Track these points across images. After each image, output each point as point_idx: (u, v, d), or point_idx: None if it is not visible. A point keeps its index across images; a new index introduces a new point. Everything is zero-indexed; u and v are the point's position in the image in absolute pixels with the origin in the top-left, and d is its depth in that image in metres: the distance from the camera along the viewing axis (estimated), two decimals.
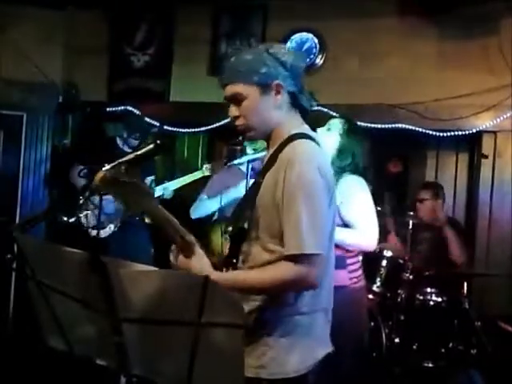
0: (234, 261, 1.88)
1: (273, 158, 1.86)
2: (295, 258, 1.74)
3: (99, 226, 4.14)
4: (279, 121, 1.89)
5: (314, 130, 2.04)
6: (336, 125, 3.19)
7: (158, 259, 4.23)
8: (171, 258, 1.88)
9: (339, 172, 3.00)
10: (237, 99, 1.86)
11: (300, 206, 1.74)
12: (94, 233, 4.22)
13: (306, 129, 1.95)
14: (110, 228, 4.29)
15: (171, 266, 1.87)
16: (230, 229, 1.90)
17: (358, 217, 2.98)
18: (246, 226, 1.86)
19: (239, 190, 3.62)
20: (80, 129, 5.59)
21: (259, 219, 1.85)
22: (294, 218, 1.74)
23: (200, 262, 1.79)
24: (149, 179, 4.46)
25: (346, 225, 2.96)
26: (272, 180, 1.82)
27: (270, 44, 1.90)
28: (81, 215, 4.25)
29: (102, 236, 4.22)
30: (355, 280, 3.05)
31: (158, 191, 4.14)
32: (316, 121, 3.17)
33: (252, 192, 1.91)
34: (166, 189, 4.13)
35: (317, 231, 1.75)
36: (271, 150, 1.92)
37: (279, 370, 1.84)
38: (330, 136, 3.13)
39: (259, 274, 1.81)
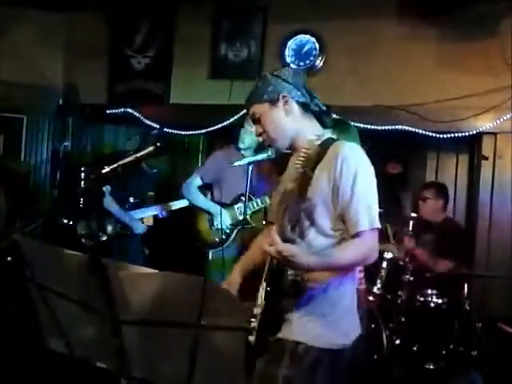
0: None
1: (317, 156, 2.06)
2: (368, 233, 1.99)
3: (98, 233, 4.16)
4: (294, 127, 2.17)
5: None
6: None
7: (153, 260, 4.24)
8: (265, 247, 1.94)
9: None
10: (257, 118, 2.19)
11: (363, 189, 2.00)
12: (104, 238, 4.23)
13: (330, 134, 2.20)
14: (109, 229, 4.28)
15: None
16: (286, 223, 2.08)
17: None
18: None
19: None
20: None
21: (313, 209, 2.05)
22: (360, 199, 1.99)
23: (294, 248, 1.94)
24: (150, 194, 4.46)
25: None
26: (325, 174, 2.04)
27: (278, 69, 2.22)
28: (91, 222, 4.26)
29: (103, 239, 4.21)
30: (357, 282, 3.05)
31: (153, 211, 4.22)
32: None
33: (300, 187, 2.06)
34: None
35: (376, 209, 2.04)
36: (300, 152, 2.08)
37: (329, 341, 2.05)
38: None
39: (342, 252, 2.03)
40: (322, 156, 2.07)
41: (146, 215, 4.25)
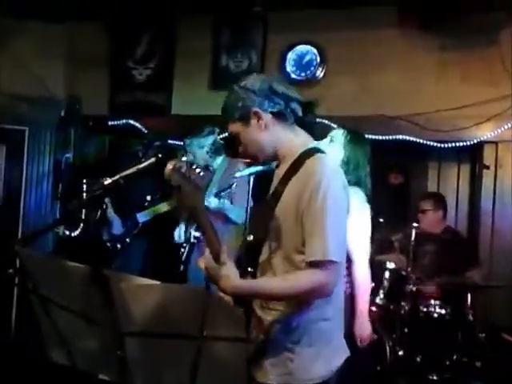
0: (251, 269, 1.94)
1: (291, 172, 1.96)
2: (319, 264, 1.82)
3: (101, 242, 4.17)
4: (273, 140, 2.01)
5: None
6: (338, 136, 3.20)
7: (157, 269, 4.24)
8: (200, 261, 1.92)
9: None
10: (235, 137, 2.05)
11: (327, 216, 1.83)
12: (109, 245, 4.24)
13: (315, 143, 2.07)
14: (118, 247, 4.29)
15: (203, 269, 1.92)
16: (251, 238, 1.99)
17: (354, 244, 2.99)
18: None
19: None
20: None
21: (280, 229, 1.93)
22: (320, 227, 1.83)
23: (229, 270, 1.83)
24: (148, 198, 4.47)
25: None
26: (295, 191, 1.91)
27: (245, 78, 2.04)
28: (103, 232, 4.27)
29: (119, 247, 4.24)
30: (349, 285, 3.06)
31: (163, 208, 4.16)
32: (321, 133, 3.22)
33: (271, 201, 1.99)
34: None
35: (339, 241, 1.87)
36: (285, 165, 2.01)
37: (306, 377, 1.91)
38: (333, 148, 3.13)
39: (283, 280, 1.89)
40: (297, 169, 1.94)
41: (152, 216, 4.23)
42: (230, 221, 3.90)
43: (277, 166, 2.09)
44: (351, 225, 2.81)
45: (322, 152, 2.00)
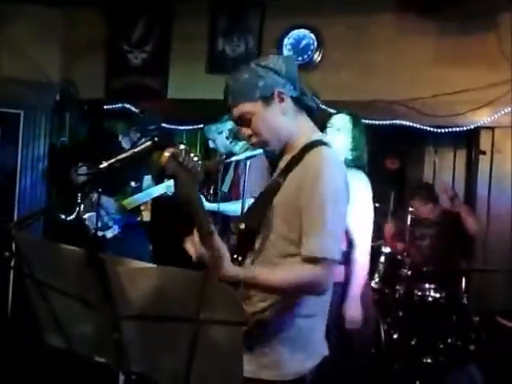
0: (240, 258, 1.88)
1: (294, 162, 1.89)
2: (316, 261, 1.77)
3: (104, 227, 4.15)
4: (290, 127, 1.93)
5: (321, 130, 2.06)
6: (344, 124, 3.19)
7: (156, 256, 4.24)
8: (187, 245, 1.84)
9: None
10: (245, 118, 1.91)
11: (327, 212, 1.78)
12: (100, 234, 4.21)
13: (320, 135, 2.00)
14: (115, 229, 4.28)
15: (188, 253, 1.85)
16: (242, 226, 1.92)
17: (357, 229, 3.00)
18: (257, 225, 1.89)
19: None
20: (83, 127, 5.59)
21: (276, 220, 1.87)
22: (320, 222, 1.78)
23: (222, 257, 1.73)
24: (147, 178, 4.46)
25: None
26: (296, 182, 1.85)
27: (259, 58, 1.95)
28: (84, 217, 4.24)
29: (108, 236, 4.21)
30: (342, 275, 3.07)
31: (161, 189, 4.12)
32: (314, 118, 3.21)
33: (269, 192, 1.93)
34: (169, 187, 4.10)
35: (336, 239, 1.81)
36: (289, 155, 1.94)
37: (280, 372, 1.86)
38: (341, 136, 3.14)
39: (277, 272, 1.82)
40: (299, 161, 1.87)
41: (152, 197, 4.21)
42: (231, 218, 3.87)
43: (280, 156, 2.00)
44: (355, 210, 2.75)
45: (325, 144, 1.93)
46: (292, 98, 1.91)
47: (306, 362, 1.89)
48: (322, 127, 3.12)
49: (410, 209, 4.29)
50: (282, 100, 1.89)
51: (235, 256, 1.88)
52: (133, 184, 4.31)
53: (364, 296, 3.12)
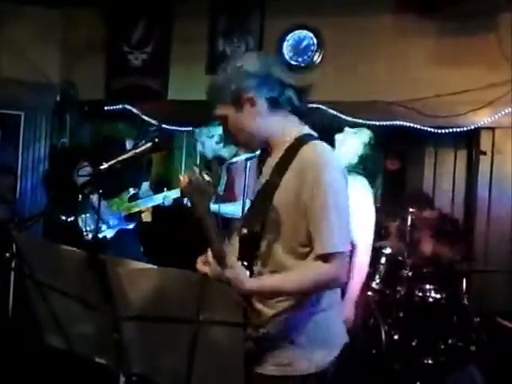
0: (245, 263, 1.88)
1: (286, 159, 1.88)
2: (330, 257, 1.78)
3: (97, 229, 4.16)
4: (268, 128, 1.92)
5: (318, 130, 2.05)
6: (364, 132, 3.24)
7: (148, 258, 4.25)
8: (199, 265, 1.89)
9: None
10: (222, 120, 1.92)
11: (331, 208, 1.79)
12: (90, 236, 4.22)
13: (307, 129, 1.98)
14: (108, 232, 4.29)
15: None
16: (245, 231, 1.91)
17: (358, 231, 3.02)
18: (259, 228, 1.89)
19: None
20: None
21: (279, 221, 1.86)
22: (327, 219, 1.79)
23: (238, 272, 1.76)
24: (145, 184, 4.46)
25: None
26: (294, 182, 1.83)
27: (236, 58, 1.92)
28: (79, 218, 4.25)
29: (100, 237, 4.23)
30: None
31: (158, 199, 4.14)
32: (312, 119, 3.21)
33: (267, 193, 1.91)
34: (167, 197, 4.12)
35: (344, 231, 1.82)
36: (278, 153, 1.92)
37: (305, 367, 1.89)
38: (355, 140, 3.19)
39: (295, 276, 1.84)
40: (292, 158, 1.85)
41: (149, 205, 4.23)
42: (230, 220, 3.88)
43: (268, 154, 1.99)
44: (356, 213, 2.74)
45: (316, 138, 1.93)
46: (267, 99, 1.88)
47: (327, 357, 1.92)
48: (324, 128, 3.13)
49: (411, 209, 4.27)
50: (252, 104, 1.87)
51: (243, 262, 1.88)
52: (131, 190, 4.32)
53: (363, 297, 3.13)
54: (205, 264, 1.84)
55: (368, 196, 3.15)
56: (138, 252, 4.29)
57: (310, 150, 1.85)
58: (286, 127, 1.93)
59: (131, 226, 4.30)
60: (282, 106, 1.90)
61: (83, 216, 4.23)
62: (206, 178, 1.74)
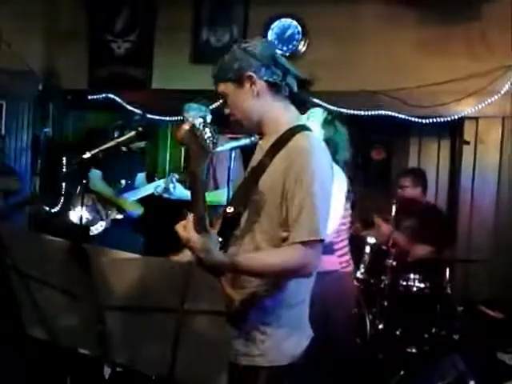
0: (221, 240, 1.87)
1: (278, 146, 1.91)
2: (307, 244, 1.79)
3: (92, 222, 4.15)
4: (263, 111, 1.96)
5: None
6: (317, 114, 3.15)
7: (148, 247, 4.23)
8: (179, 227, 1.80)
9: None
10: (224, 98, 1.98)
11: (314, 196, 1.80)
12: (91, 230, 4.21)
13: (304, 120, 2.04)
14: (102, 225, 4.26)
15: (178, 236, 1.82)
16: (231, 209, 1.93)
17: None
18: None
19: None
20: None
21: (262, 203, 1.89)
22: (309, 206, 1.80)
23: (211, 242, 1.73)
24: (140, 175, 4.45)
25: None
26: (282, 166, 1.86)
27: (245, 40, 1.99)
28: (71, 212, 4.22)
29: (94, 233, 4.20)
30: (345, 264, 3.10)
31: (150, 189, 4.12)
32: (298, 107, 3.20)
33: (255, 173, 1.94)
34: (159, 186, 4.10)
35: (324, 220, 1.83)
36: (270, 138, 1.96)
37: (278, 357, 1.89)
38: (311, 125, 3.11)
39: (266, 256, 1.86)
40: (284, 145, 1.89)
41: (140, 196, 4.21)
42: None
43: (260, 138, 2.04)
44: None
45: (309, 130, 1.97)
46: (269, 82, 1.93)
47: (300, 343, 1.93)
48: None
49: (394, 200, 4.28)
50: (253, 83, 1.92)
51: (220, 240, 1.86)
52: (123, 182, 4.30)
53: (346, 287, 3.13)
54: (183, 228, 1.78)
55: (340, 190, 3.09)
56: (136, 243, 4.25)
57: (301, 138, 1.89)
58: (282, 114, 1.97)
59: (121, 217, 4.26)
60: (280, 91, 1.95)
61: (76, 210, 4.19)
62: (208, 133, 1.71)
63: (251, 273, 1.84)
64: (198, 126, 1.69)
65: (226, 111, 2.00)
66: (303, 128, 1.95)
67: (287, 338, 1.90)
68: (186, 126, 1.67)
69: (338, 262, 3.04)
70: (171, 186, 3.99)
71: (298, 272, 1.84)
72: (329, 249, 2.95)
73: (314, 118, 3.12)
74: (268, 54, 1.94)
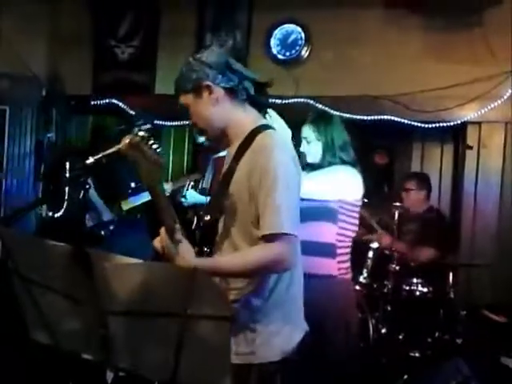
0: (207, 249, 1.96)
1: (242, 149, 1.97)
2: (274, 238, 1.83)
3: (100, 226, 4.16)
4: (225, 117, 2.01)
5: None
6: (309, 135, 3.11)
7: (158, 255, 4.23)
8: (155, 242, 1.91)
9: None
10: (187, 109, 2.05)
11: (278, 192, 1.84)
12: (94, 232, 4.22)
13: (265, 121, 2.07)
14: (109, 228, 4.27)
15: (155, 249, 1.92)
16: (208, 217, 1.98)
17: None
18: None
19: None
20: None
21: (234, 206, 1.94)
22: (273, 202, 1.84)
23: (184, 249, 1.84)
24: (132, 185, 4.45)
25: None
26: (247, 168, 1.92)
27: (198, 52, 2.06)
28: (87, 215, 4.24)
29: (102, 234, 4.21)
30: (343, 271, 3.03)
31: (146, 196, 4.13)
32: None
33: (224, 180, 2.00)
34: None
35: (292, 215, 1.87)
36: (236, 142, 2.01)
37: (269, 354, 1.93)
38: (311, 146, 3.08)
39: (239, 256, 1.92)
40: (248, 147, 1.95)
41: (143, 200, 4.22)
42: None
43: (228, 145, 2.09)
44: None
45: (271, 128, 2.02)
46: (227, 88, 1.98)
47: (291, 338, 1.97)
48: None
49: (397, 204, 4.28)
50: (210, 92, 1.97)
51: (204, 248, 1.95)
52: (132, 185, 4.30)
53: (344, 293, 3.09)
54: (159, 240, 1.87)
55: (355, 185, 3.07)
56: (146, 247, 4.24)
57: (263, 137, 1.95)
58: (243, 118, 2.02)
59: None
60: (238, 95, 2.00)
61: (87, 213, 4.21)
62: (153, 145, 1.72)
63: (229, 273, 1.90)
64: (139, 139, 1.69)
65: (190, 121, 2.07)
66: (265, 127, 1.99)
67: (277, 334, 1.94)
68: (127, 140, 1.69)
69: (337, 267, 2.98)
70: (185, 191, 4.01)
71: (272, 268, 1.88)
72: (331, 252, 2.94)
73: (310, 139, 3.09)
74: (222, 61, 1.99)
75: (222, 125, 2.02)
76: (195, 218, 3.94)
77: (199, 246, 1.94)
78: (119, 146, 1.75)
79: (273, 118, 2.99)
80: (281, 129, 2.78)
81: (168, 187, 4.09)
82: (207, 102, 1.98)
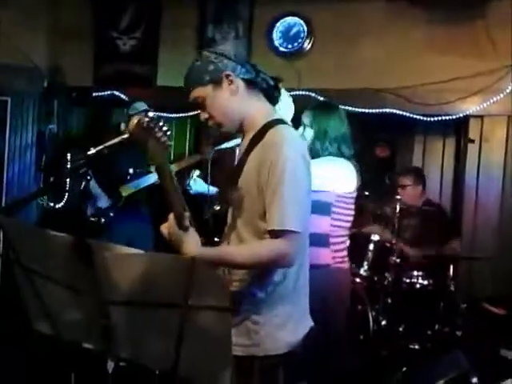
0: (217, 239, 1.99)
1: (254, 142, 1.97)
2: (277, 234, 1.84)
3: (99, 214, 4.17)
4: (242, 108, 2.00)
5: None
6: (308, 121, 3.12)
7: (159, 244, 4.23)
8: (162, 227, 1.91)
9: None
10: (200, 102, 2.01)
11: (286, 187, 1.84)
12: (93, 219, 4.21)
13: (278, 115, 2.06)
14: (110, 215, 4.27)
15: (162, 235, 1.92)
16: (218, 208, 2.02)
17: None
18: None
19: None
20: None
21: (242, 199, 1.95)
22: (280, 197, 1.84)
23: (191, 236, 1.84)
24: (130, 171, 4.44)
25: None
26: (256, 162, 1.92)
27: (216, 47, 2.10)
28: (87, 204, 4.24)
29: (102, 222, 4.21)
30: (339, 260, 3.03)
31: (154, 178, 4.12)
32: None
33: (235, 171, 2.01)
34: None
35: (299, 212, 1.87)
36: (249, 135, 2.01)
37: (272, 347, 1.93)
38: (307, 131, 3.10)
39: (242, 249, 1.94)
40: (259, 141, 1.94)
41: (141, 186, 4.21)
42: None
43: (242, 138, 2.09)
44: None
45: (284, 123, 2.01)
46: (245, 80, 1.98)
47: (296, 331, 1.97)
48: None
49: (398, 197, 4.28)
50: (231, 82, 1.96)
51: (214, 238, 1.99)
52: (131, 171, 4.29)
53: (339, 282, 3.09)
54: (167, 226, 1.87)
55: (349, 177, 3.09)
56: (144, 232, 4.24)
57: (274, 132, 1.94)
58: (258, 111, 2.01)
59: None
60: (258, 86, 2.01)
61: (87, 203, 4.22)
62: (163, 127, 1.70)
63: (232, 264, 1.91)
64: (148, 119, 1.67)
65: (204, 116, 2.02)
66: (278, 122, 1.99)
67: (282, 328, 1.94)
68: (135, 120, 1.68)
69: (331, 256, 2.98)
70: (192, 180, 4.00)
71: (275, 262, 1.89)
72: (324, 241, 2.95)
73: (308, 124, 3.10)
74: (240, 54, 2.04)
75: (239, 117, 2.01)
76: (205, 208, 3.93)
77: (210, 236, 1.96)
78: (128, 127, 1.73)
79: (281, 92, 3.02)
80: (286, 106, 2.81)
81: (172, 168, 4.07)
82: (227, 92, 1.96)
